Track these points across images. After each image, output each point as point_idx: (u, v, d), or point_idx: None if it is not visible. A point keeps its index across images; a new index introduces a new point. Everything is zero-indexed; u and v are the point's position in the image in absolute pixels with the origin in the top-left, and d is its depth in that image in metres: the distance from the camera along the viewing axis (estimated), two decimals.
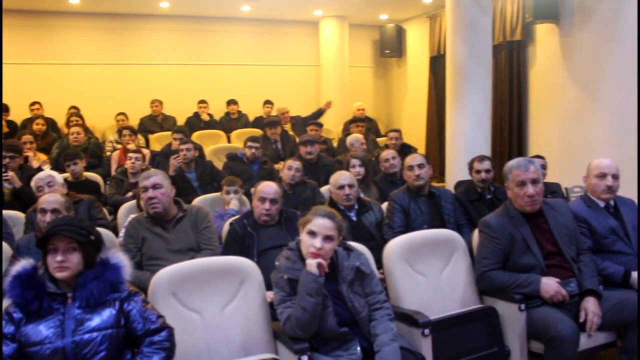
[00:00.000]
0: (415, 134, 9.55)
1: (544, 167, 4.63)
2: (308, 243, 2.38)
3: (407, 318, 2.68)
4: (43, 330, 2.03)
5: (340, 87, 9.81)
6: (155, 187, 3.24)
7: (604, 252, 3.16)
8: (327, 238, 2.38)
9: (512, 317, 2.84)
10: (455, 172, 5.81)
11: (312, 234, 2.38)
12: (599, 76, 6.12)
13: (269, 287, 2.64)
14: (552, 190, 4.70)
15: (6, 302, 2.11)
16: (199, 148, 6.03)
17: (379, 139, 7.52)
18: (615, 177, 3.28)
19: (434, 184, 7.40)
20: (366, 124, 7.72)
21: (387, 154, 5.07)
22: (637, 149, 5.10)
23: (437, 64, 8.92)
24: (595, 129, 6.19)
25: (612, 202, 3.31)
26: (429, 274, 3.03)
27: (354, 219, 3.82)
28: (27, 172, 4.79)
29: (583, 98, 6.37)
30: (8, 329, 2.04)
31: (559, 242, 2.94)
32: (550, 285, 2.81)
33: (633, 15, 5.67)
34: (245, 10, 8.93)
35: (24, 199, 4.31)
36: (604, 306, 2.80)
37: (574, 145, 6.49)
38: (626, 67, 5.77)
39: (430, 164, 4.27)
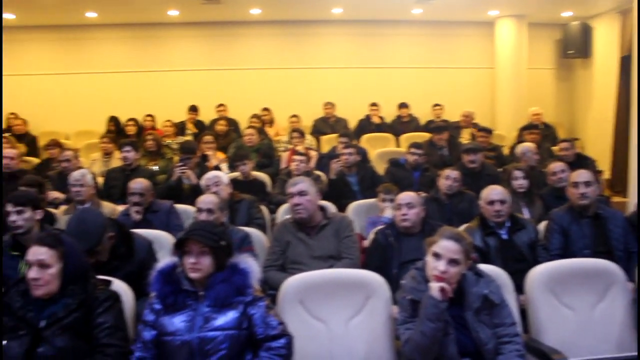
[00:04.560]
0: (601, 143, 8.69)
1: None
2: (432, 265, 2.30)
3: (543, 356, 2.45)
4: (176, 322, 2.22)
5: (517, 91, 9.25)
6: (301, 193, 3.34)
7: None
8: (452, 262, 2.28)
9: None
10: None
11: (437, 256, 2.30)
12: None
13: None
14: None
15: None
16: (362, 152, 6.08)
17: (555, 148, 6.96)
18: None
19: (616, 199, 6.68)
20: (542, 131, 7.20)
21: (556, 166, 4.68)
22: None
23: (629, 64, 7.99)
24: None
25: None
26: (578, 308, 2.73)
27: (505, 237, 3.57)
28: (204, 170, 5.25)
29: None
30: (149, 317, 2.28)
31: None
32: None
33: None
34: (417, 12, 8.84)
35: (199, 195, 4.75)
36: None
37: None
38: None
39: (601, 181, 3.86)
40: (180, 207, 4.37)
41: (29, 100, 8.83)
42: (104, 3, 7.94)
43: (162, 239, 3.53)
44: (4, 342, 2.15)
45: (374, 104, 8.76)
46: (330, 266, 3.20)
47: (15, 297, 2.24)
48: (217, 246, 2.25)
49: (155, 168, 5.85)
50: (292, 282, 2.62)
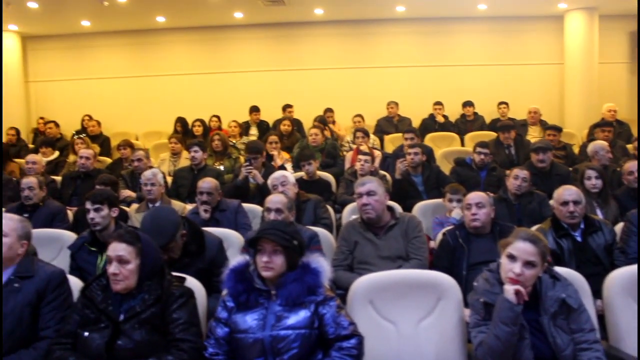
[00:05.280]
0: None
1: None
2: (507, 267, 2.24)
3: None
4: (248, 320, 2.26)
5: (587, 87, 8.92)
6: (369, 193, 3.34)
7: None
8: (528, 264, 2.21)
9: None
10: None
11: (512, 257, 2.23)
12: None
13: None
14: None
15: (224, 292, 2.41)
16: (427, 152, 5.98)
17: (630, 146, 6.64)
18: None
19: None
20: (615, 129, 6.89)
21: (631, 165, 4.50)
22: None
23: None
24: None
25: None
26: None
27: (579, 239, 3.44)
28: (269, 169, 5.30)
29: None
30: (222, 314, 2.32)
31: None
32: None
33: None
34: (482, 8, 8.69)
35: (265, 194, 4.82)
36: None
37: None
38: None
39: None
40: (247, 206, 4.46)
41: (102, 102, 9.26)
42: (173, 7, 8.20)
43: (230, 237, 3.60)
44: (86, 334, 2.24)
45: (438, 103, 8.65)
46: (399, 267, 3.18)
47: (97, 290, 2.33)
48: (289, 245, 2.27)
49: (222, 168, 5.97)
50: (362, 282, 2.61)
